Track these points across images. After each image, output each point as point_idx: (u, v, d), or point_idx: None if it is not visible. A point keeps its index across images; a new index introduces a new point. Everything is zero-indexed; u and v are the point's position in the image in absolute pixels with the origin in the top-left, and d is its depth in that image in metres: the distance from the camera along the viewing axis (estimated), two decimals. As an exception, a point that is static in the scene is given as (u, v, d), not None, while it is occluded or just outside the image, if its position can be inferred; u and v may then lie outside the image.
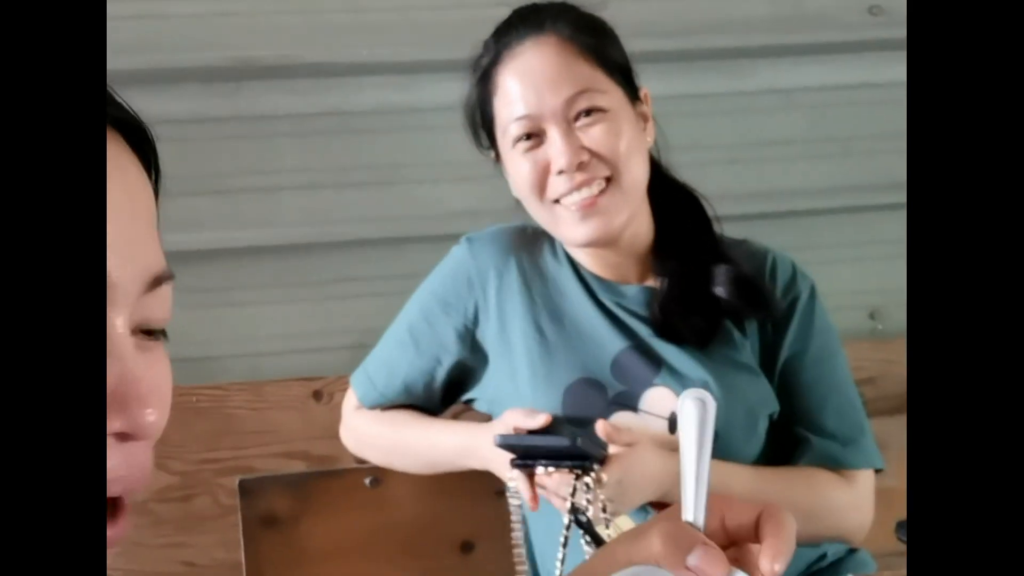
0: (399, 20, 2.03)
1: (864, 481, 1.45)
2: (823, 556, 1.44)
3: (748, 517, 0.64)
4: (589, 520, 1.14)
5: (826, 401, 1.45)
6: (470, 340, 1.48)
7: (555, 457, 1.27)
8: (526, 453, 1.27)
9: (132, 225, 0.60)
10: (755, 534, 0.64)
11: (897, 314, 2.26)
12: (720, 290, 1.41)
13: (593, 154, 1.35)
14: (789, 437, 1.44)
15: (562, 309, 1.45)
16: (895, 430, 2.04)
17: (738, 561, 0.63)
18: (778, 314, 1.44)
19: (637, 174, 1.40)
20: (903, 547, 1.31)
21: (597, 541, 1.15)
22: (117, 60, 1.94)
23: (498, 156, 1.45)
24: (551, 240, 1.50)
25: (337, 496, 1.58)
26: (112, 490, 0.57)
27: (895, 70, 1.64)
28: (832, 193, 2.24)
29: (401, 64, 2.03)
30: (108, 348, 0.57)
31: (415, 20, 2.03)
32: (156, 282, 0.61)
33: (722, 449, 1.38)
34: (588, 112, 1.36)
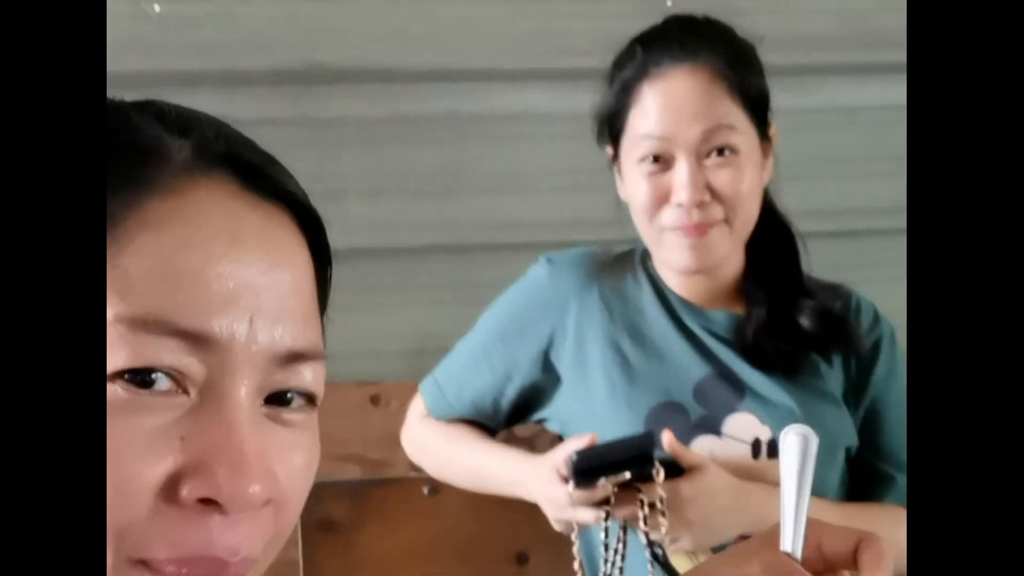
0: (469, 28, 2.03)
1: None
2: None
3: (846, 545, 0.66)
4: (665, 554, 1.14)
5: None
6: (543, 361, 1.48)
7: (621, 465, 1.27)
8: (596, 465, 1.27)
9: (268, 292, 0.59)
10: (852, 561, 0.65)
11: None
12: (807, 322, 1.41)
13: (715, 195, 1.35)
14: (873, 474, 1.44)
15: (644, 332, 1.44)
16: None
17: None
18: (863, 351, 1.44)
19: (751, 216, 1.41)
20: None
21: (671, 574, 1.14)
22: (185, 61, 1.98)
23: (615, 158, 1.45)
24: (633, 265, 1.50)
25: (395, 504, 1.59)
26: (195, 571, 0.55)
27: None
28: (892, 213, 2.22)
29: (469, 72, 2.04)
30: (223, 414, 0.56)
31: (484, 28, 2.04)
32: (292, 358, 0.60)
33: None
34: (720, 151, 1.36)
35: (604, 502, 1.29)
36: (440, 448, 1.53)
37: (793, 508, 0.65)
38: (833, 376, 1.44)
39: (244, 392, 0.57)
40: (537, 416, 1.52)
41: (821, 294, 1.46)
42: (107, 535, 0.52)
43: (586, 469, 1.26)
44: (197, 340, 0.55)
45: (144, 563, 0.54)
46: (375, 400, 1.94)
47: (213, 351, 0.56)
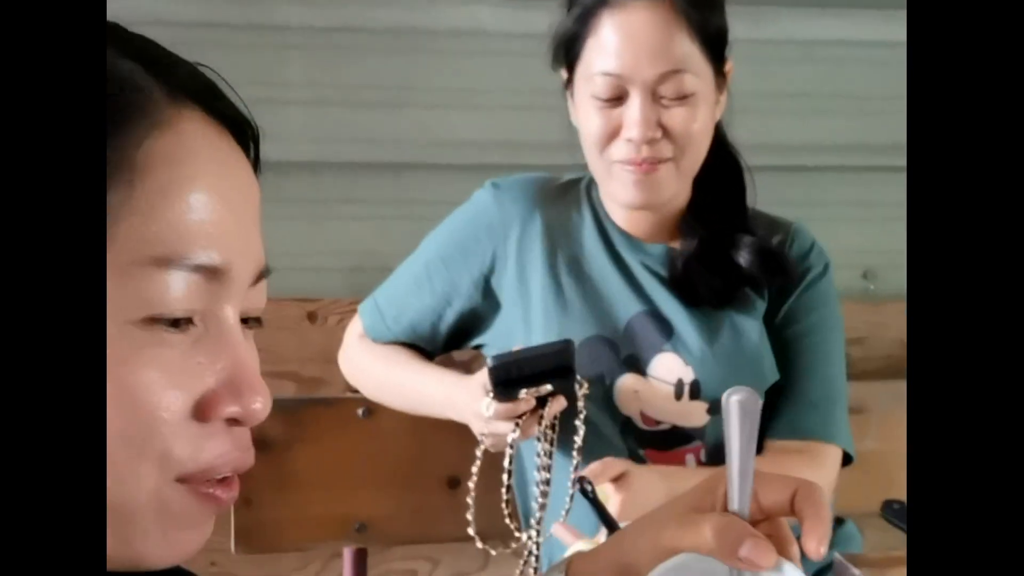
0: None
1: (832, 462, 1.44)
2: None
3: (782, 494, 0.67)
4: (594, 490, 1.14)
5: (813, 371, 1.44)
6: (484, 286, 1.47)
7: (542, 377, 1.27)
8: (515, 373, 1.26)
9: (245, 221, 0.63)
10: (789, 509, 0.66)
11: (890, 276, 2.25)
12: (742, 257, 1.41)
13: (666, 134, 1.34)
14: (791, 406, 1.44)
15: (582, 265, 1.44)
16: (879, 394, 2.06)
17: (772, 536, 0.66)
18: (792, 284, 1.44)
19: (699, 155, 1.40)
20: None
21: (606, 519, 1.13)
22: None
23: (569, 83, 1.42)
24: (578, 195, 1.49)
25: (329, 424, 1.58)
26: (223, 470, 0.62)
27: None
28: (840, 151, 2.22)
29: (419, -16, 1.99)
30: (224, 338, 0.61)
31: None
32: (261, 276, 0.65)
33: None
34: (675, 92, 1.34)
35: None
36: (376, 369, 1.52)
37: (738, 469, 0.66)
38: (763, 308, 1.44)
39: (233, 316, 0.62)
40: (475, 341, 1.52)
41: (762, 229, 1.45)
42: (150, 461, 0.58)
43: (505, 378, 1.26)
44: (210, 273, 0.60)
45: (183, 480, 0.60)
46: (312, 317, 1.92)
47: (220, 282, 0.60)
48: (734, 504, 0.66)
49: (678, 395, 1.39)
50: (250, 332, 0.65)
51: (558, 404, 1.30)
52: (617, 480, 1.26)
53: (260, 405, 0.62)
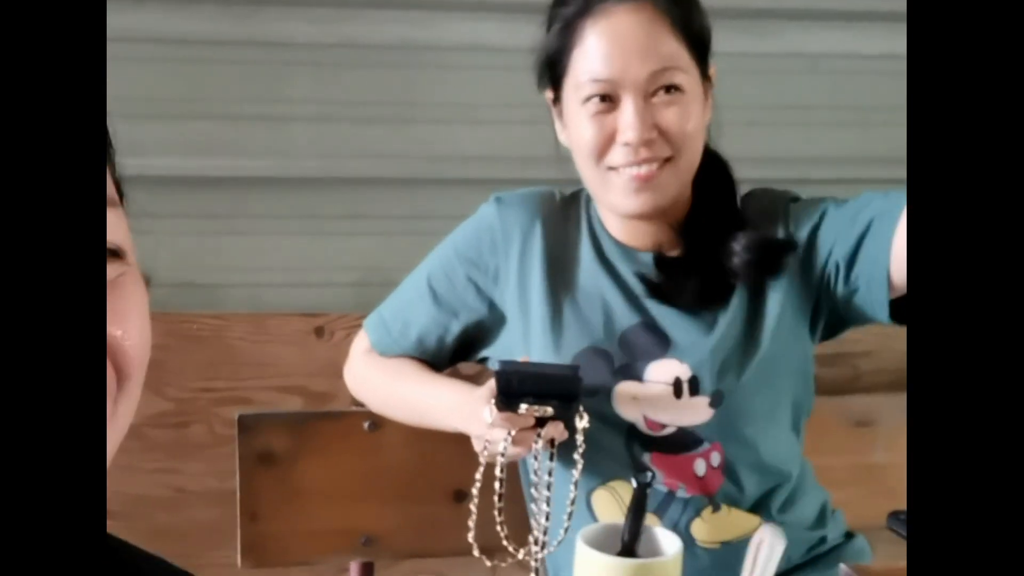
0: (423, -44, 2.00)
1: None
2: (823, 540, 1.44)
3: None
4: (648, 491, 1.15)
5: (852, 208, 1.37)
6: (488, 300, 1.48)
7: (545, 397, 1.27)
8: (517, 384, 1.26)
9: None
10: None
11: (898, 288, 2.25)
12: (735, 261, 1.39)
13: (661, 133, 1.34)
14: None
15: (577, 278, 1.44)
16: (886, 407, 2.06)
17: None
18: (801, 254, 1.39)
19: (695, 155, 1.39)
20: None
21: (635, 525, 1.14)
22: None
23: (556, 101, 1.43)
24: (577, 208, 1.49)
25: (335, 438, 1.58)
26: None
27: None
28: (846, 164, 2.22)
29: (423, 0, 2.00)
30: None
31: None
32: None
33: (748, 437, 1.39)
34: (667, 90, 1.34)
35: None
36: (383, 381, 1.52)
37: None
38: (780, 292, 1.40)
39: None
40: (481, 354, 1.52)
41: (757, 217, 1.42)
42: None
43: (507, 387, 1.26)
44: None
45: None
46: (319, 331, 1.92)
47: None
48: None
49: (677, 393, 1.38)
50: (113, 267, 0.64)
51: (555, 430, 1.29)
52: None
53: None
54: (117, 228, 0.64)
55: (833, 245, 1.38)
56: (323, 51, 1.97)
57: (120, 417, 0.65)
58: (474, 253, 1.48)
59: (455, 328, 1.49)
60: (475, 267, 1.48)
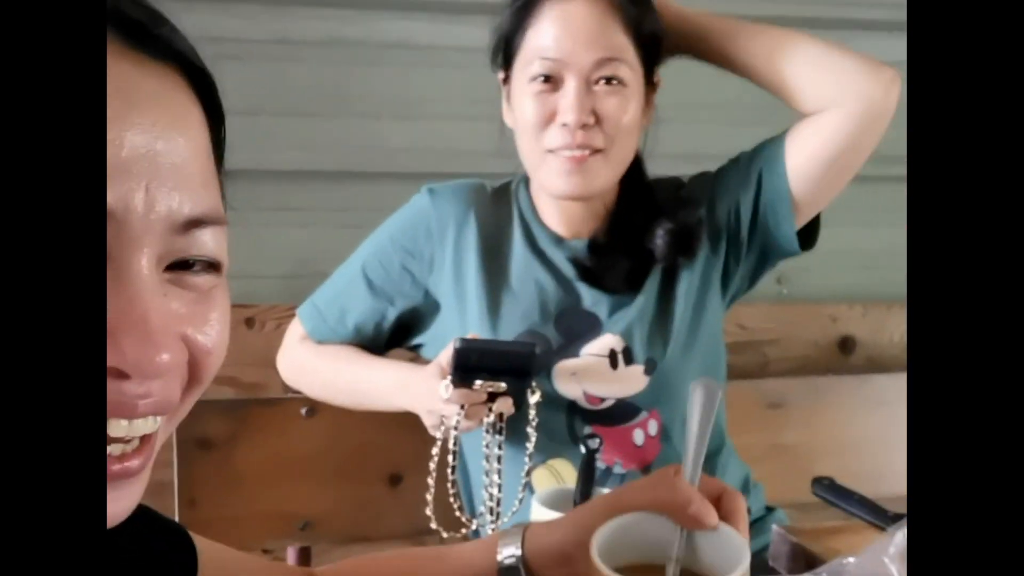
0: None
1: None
2: (747, 512, 1.52)
3: (711, 491, 0.79)
4: (596, 455, 1.21)
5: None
6: (424, 288, 1.52)
7: (500, 372, 1.32)
8: (475, 361, 1.31)
9: (163, 162, 0.58)
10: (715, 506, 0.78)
11: (800, 280, 2.33)
12: (656, 244, 1.47)
13: (598, 120, 1.40)
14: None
15: (511, 265, 1.50)
16: (796, 390, 2.14)
17: (723, 509, 0.79)
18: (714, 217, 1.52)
19: (627, 151, 1.46)
20: (811, 498, 1.39)
21: (585, 488, 1.19)
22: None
23: (506, 80, 1.48)
24: (508, 198, 1.55)
25: (272, 423, 1.60)
26: (113, 432, 0.58)
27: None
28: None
29: (351, -1, 2.03)
30: (125, 285, 0.57)
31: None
32: (192, 225, 0.60)
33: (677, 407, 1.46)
34: (609, 80, 1.40)
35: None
36: (324, 367, 1.55)
37: (694, 448, 0.79)
38: (699, 268, 1.50)
39: (145, 262, 0.58)
40: (416, 340, 1.56)
41: (674, 204, 1.52)
42: None
43: (466, 363, 1.31)
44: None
45: None
46: (250, 322, 1.94)
47: (110, 223, 0.56)
48: (687, 475, 0.78)
49: (613, 364, 1.45)
50: (200, 281, 0.62)
51: (504, 404, 1.35)
52: None
53: (160, 358, 0.57)
54: (221, 244, 0.63)
55: (734, 191, 1.50)
56: (252, 46, 1.98)
57: (178, 417, 0.65)
58: (409, 242, 1.52)
59: (391, 315, 1.53)
60: (410, 256, 1.52)
